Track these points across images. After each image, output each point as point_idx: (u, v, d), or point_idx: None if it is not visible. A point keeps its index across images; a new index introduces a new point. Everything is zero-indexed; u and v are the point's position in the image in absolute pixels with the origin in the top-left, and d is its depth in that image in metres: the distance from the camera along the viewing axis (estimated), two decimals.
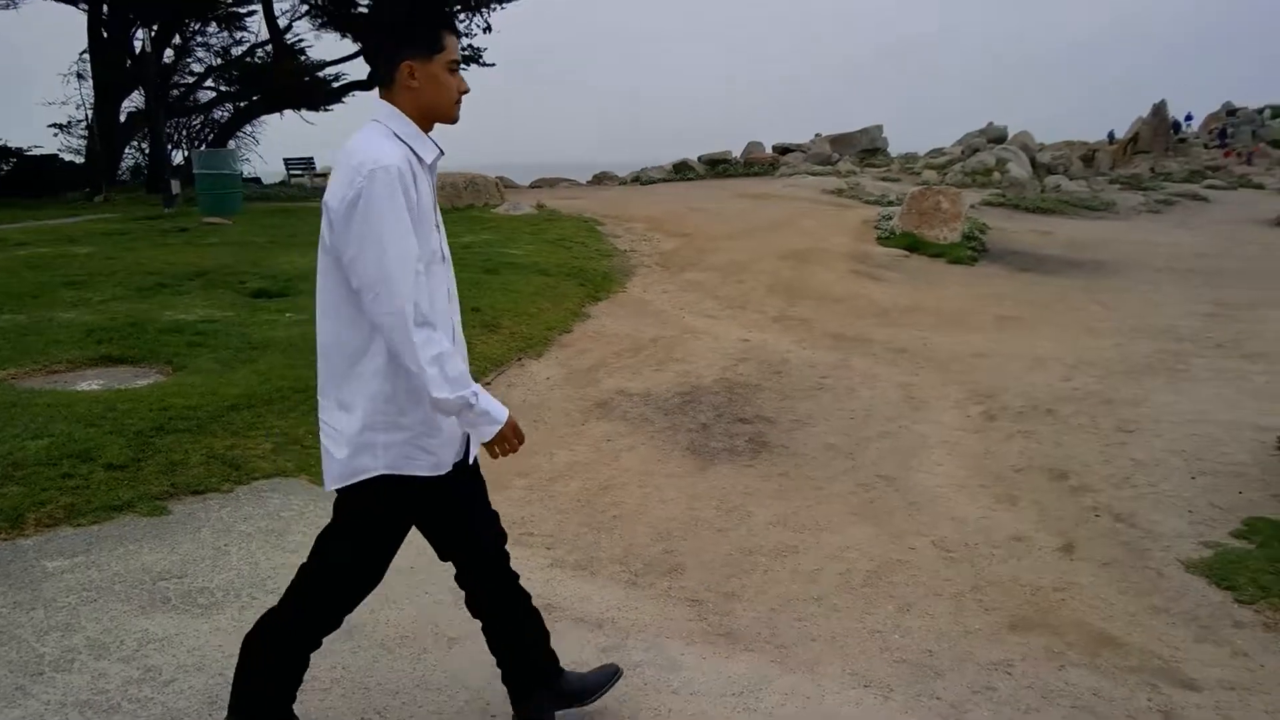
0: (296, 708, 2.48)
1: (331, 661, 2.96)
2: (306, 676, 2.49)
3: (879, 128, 28.47)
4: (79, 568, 3.52)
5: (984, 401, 6.18)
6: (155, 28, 20.69)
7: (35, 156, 22.12)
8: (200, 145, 20.75)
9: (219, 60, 21.09)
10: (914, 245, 12.23)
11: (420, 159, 2.18)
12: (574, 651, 3.04)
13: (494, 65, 22.35)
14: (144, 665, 2.92)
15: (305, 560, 2.42)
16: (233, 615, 3.25)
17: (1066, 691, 3.05)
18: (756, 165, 25.11)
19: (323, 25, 21.14)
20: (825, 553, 4.06)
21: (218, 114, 21.75)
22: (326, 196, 2.12)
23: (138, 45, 21.41)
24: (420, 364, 2.07)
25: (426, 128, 2.22)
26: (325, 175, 24.15)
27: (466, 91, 2.25)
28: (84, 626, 3.13)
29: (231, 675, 2.44)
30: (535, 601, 2.66)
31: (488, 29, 21.16)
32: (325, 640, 2.48)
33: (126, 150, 23.33)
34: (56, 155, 22.99)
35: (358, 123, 2.28)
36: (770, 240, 12.51)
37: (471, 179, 15.30)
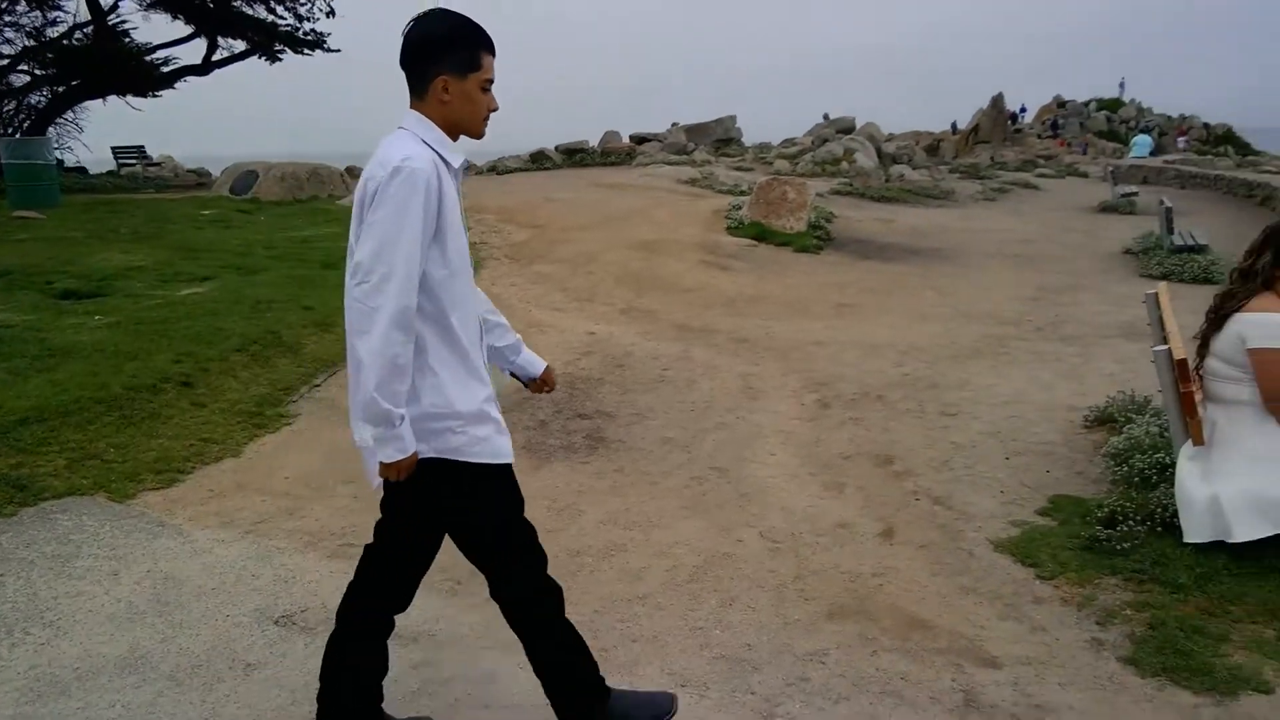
0: None
1: (110, 699, 2.73)
2: None
3: (733, 118, 28.96)
4: None
5: (819, 390, 6.31)
6: None
7: None
8: (14, 133, 19.20)
9: (31, 42, 19.58)
10: (762, 235, 12.44)
11: (447, 164, 2.23)
12: None
13: (339, 51, 21.61)
14: None
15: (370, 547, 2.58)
16: (1, 654, 2.97)
17: (876, 677, 3.11)
18: (614, 155, 25.12)
19: (151, 6, 19.92)
20: (654, 550, 4.04)
21: (34, 99, 20.22)
22: (358, 194, 2.18)
23: None
24: (376, 360, 2.09)
25: (453, 139, 2.28)
26: (160, 164, 22.83)
27: (495, 109, 2.32)
28: None
29: None
30: None
31: (330, 13, 20.40)
32: (105, 676, 2.28)
33: None
34: None
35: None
36: (622, 230, 12.50)
37: (314, 169, 14.71)
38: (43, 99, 20.61)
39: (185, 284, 8.16)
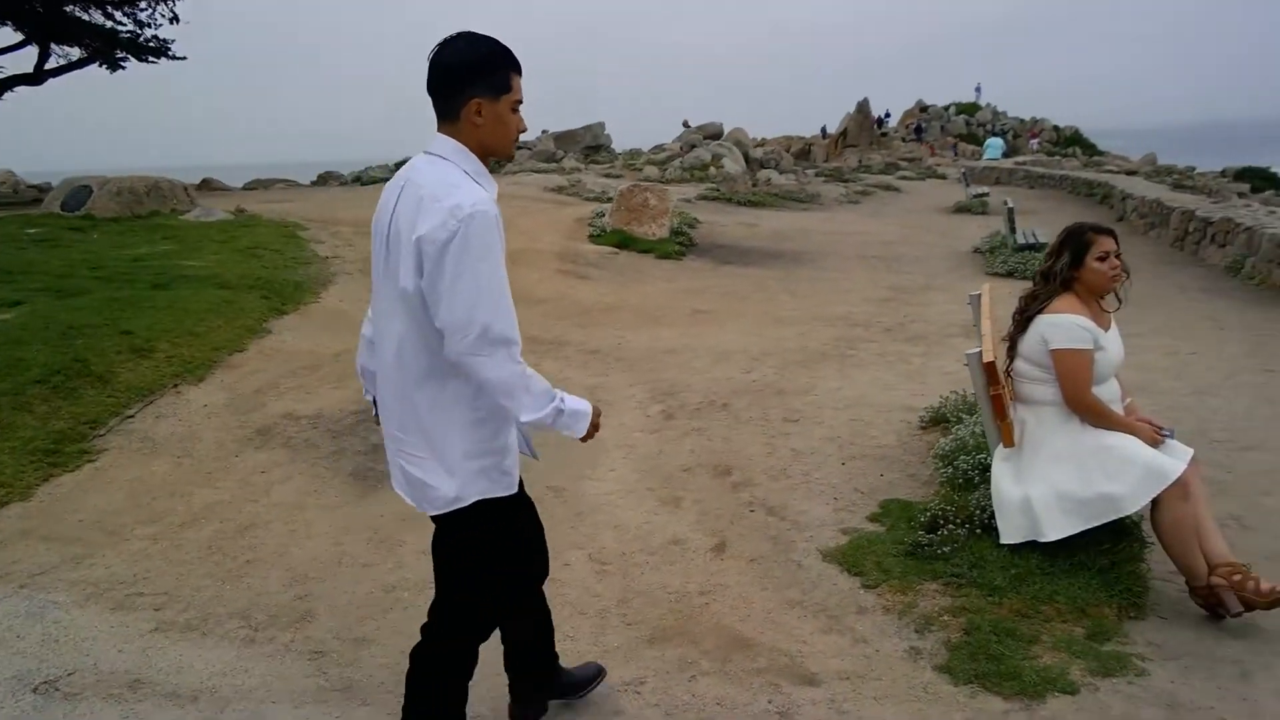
0: None
1: None
2: None
3: (601, 125, 28.92)
4: None
5: (665, 400, 6.22)
6: None
7: None
8: None
9: None
10: (624, 242, 12.37)
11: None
12: None
13: (185, 59, 20.54)
14: None
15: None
16: None
17: (692, 704, 3.01)
18: None
19: None
20: None
21: None
22: (419, 234, 2.12)
23: None
24: (515, 396, 2.19)
25: (484, 161, 2.29)
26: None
27: (524, 130, 2.36)
28: None
29: None
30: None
31: (174, 19, 19.35)
32: None
33: None
34: None
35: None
36: None
37: (155, 183, 13.88)
38: None
39: None
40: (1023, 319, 3.69)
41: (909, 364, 7.07)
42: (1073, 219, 3.87)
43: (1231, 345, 7.34)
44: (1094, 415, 3.54)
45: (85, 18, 18.99)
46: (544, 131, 28.47)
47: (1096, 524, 3.49)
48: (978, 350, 3.68)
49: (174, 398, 6.04)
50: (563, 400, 2.27)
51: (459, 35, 2.25)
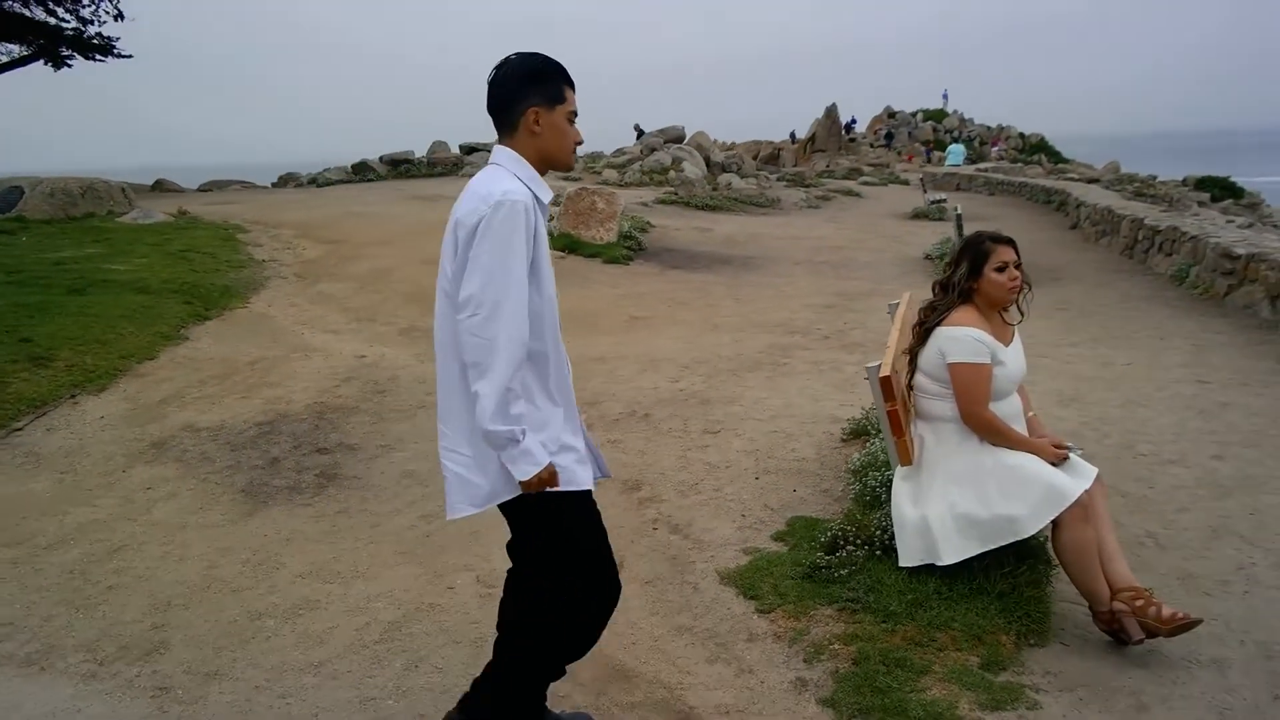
0: None
1: None
2: None
3: None
4: None
5: (585, 410, 5.98)
6: None
7: None
8: None
9: None
10: (572, 246, 12.17)
11: (539, 199, 2.31)
12: None
13: (131, 57, 20.08)
14: None
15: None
16: None
17: None
18: (440, 165, 24.42)
19: None
20: (349, 606, 3.63)
21: None
22: (454, 219, 2.24)
23: None
24: (494, 391, 2.13)
25: (542, 172, 2.36)
26: None
27: (581, 142, 2.45)
28: None
29: None
30: None
31: (119, 16, 18.89)
32: None
33: None
34: None
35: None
36: (424, 245, 11.95)
37: (90, 184, 13.50)
38: None
39: None
40: (922, 331, 3.53)
41: (841, 373, 6.92)
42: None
43: (1169, 355, 7.26)
44: (991, 432, 3.38)
45: (27, 14, 18.52)
46: None
47: (995, 546, 3.33)
48: (877, 364, 3.52)
49: (69, 409, 5.77)
50: (524, 434, 2.20)
51: (513, 54, 2.36)
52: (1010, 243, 3.44)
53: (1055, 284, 11.21)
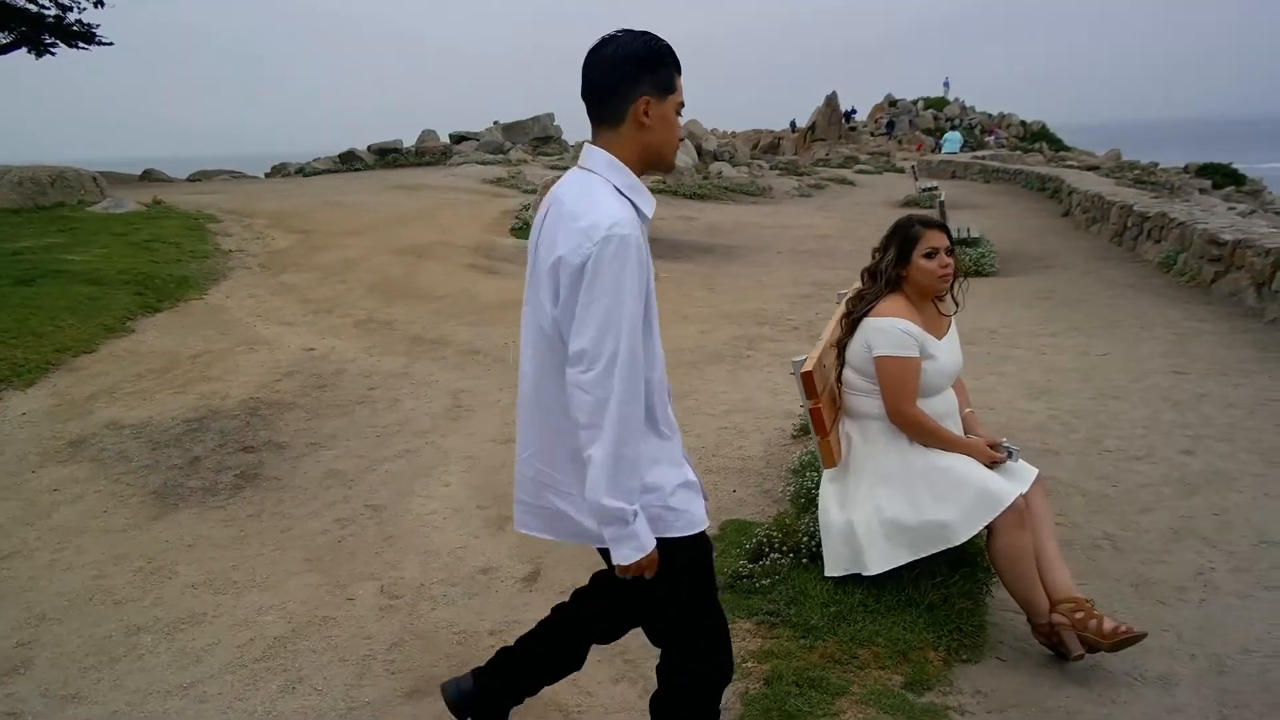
0: None
1: None
2: None
3: (550, 116, 28.31)
4: None
5: None
6: None
7: None
8: None
9: None
10: None
11: (641, 214, 2.00)
12: None
13: (112, 44, 19.80)
14: None
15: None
16: None
17: None
18: (429, 154, 24.12)
19: None
20: (237, 619, 3.38)
21: None
22: (556, 255, 1.94)
23: None
24: (608, 459, 1.89)
25: (640, 174, 2.05)
26: None
27: (682, 139, 1.72)
28: None
29: None
30: None
31: (99, 3, 18.62)
32: None
33: None
34: None
35: None
36: (396, 234, 11.73)
37: (60, 173, 13.24)
38: None
39: None
40: (849, 322, 3.26)
41: None
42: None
43: (1149, 345, 6.98)
44: (919, 431, 3.11)
45: (7, 1, 18.27)
46: (495, 122, 27.86)
47: (925, 554, 3.08)
48: (801, 358, 3.26)
49: None
50: (635, 516, 1.94)
51: (620, 31, 2.03)
52: (942, 227, 3.17)
53: (1043, 272, 10.94)
